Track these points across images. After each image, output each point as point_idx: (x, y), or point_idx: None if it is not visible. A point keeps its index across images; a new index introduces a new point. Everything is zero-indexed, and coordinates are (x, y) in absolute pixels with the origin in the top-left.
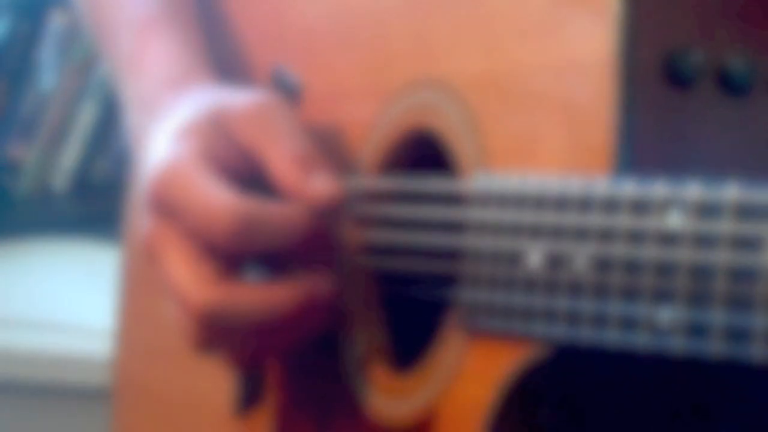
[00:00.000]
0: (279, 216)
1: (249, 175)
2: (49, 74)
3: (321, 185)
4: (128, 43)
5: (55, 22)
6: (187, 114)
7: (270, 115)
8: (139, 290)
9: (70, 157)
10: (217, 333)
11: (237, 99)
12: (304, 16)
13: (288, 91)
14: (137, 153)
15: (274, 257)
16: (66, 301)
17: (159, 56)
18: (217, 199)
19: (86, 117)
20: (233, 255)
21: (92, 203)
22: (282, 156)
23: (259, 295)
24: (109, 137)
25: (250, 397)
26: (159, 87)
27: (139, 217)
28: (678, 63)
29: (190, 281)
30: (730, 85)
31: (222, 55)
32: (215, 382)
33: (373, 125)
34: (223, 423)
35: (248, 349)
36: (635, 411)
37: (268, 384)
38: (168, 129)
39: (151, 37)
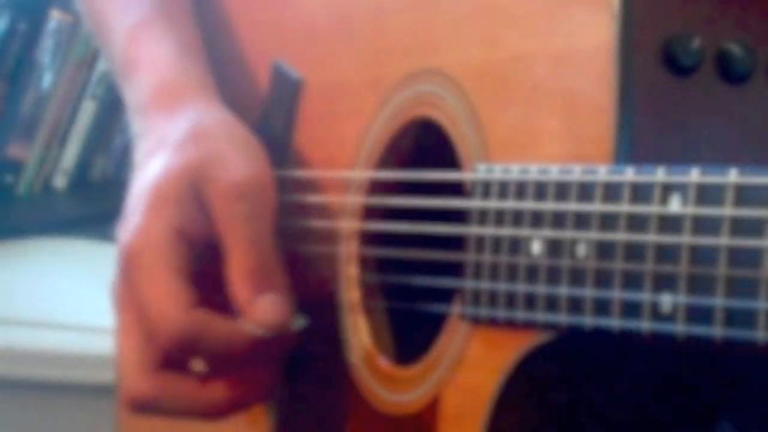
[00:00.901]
0: (222, 335)
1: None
2: (48, 73)
3: (265, 309)
4: (123, 43)
5: (55, 20)
6: (170, 168)
7: (244, 207)
8: None
9: (70, 155)
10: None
11: (223, 169)
12: (303, 10)
13: (287, 85)
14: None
15: None
16: (67, 299)
17: (153, 57)
18: (168, 306)
19: (86, 115)
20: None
21: (92, 201)
22: (237, 268)
23: (190, 394)
24: (109, 135)
25: None
26: (154, 94)
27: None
28: (677, 51)
29: (131, 365)
30: (729, 72)
31: (220, 51)
32: None
33: (373, 117)
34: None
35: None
36: (637, 392)
37: None
38: (150, 182)
39: (144, 39)
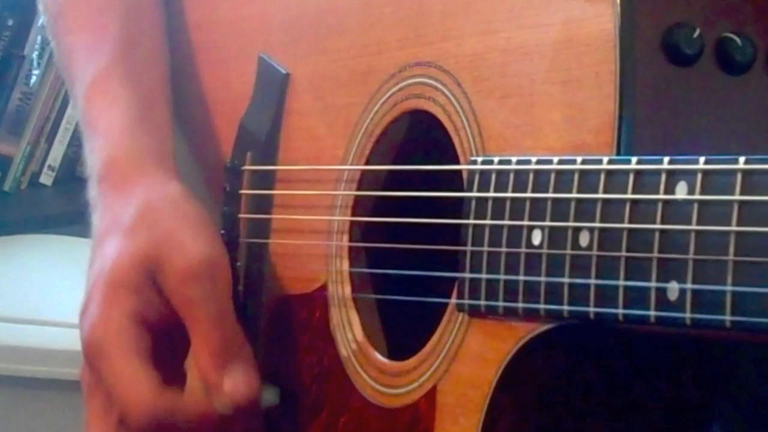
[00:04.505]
0: (191, 414)
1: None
2: (36, 69)
3: (233, 385)
4: (82, 101)
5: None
6: (124, 257)
7: (198, 290)
8: None
9: (57, 152)
10: None
11: (174, 253)
12: (289, 3)
13: (274, 79)
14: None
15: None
16: (53, 295)
17: (105, 128)
18: (134, 392)
19: (73, 112)
20: None
21: (79, 198)
22: (201, 349)
23: None
24: None
25: None
26: (104, 175)
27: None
28: (678, 41)
29: None
30: (729, 63)
31: (204, 47)
32: None
33: (364, 110)
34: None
35: None
36: (636, 379)
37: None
38: (104, 269)
39: (99, 100)
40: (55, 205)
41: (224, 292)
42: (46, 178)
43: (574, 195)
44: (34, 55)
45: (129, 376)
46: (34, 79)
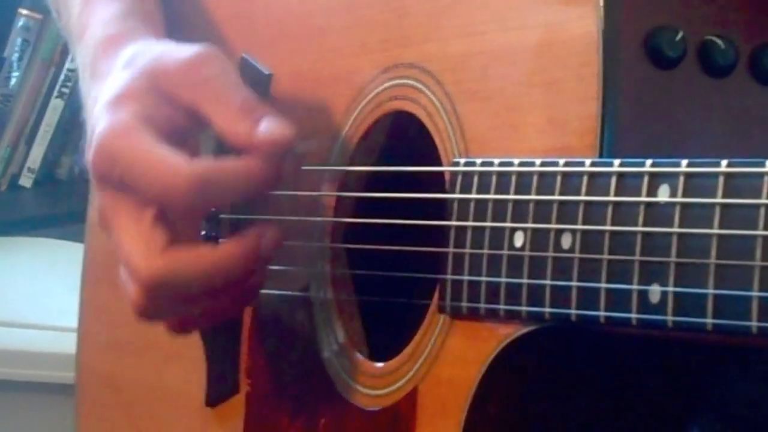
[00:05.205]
0: (234, 171)
1: (193, 134)
2: (16, 71)
3: (270, 129)
4: (78, 7)
5: (23, 18)
6: (123, 78)
7: (207, 69)
8: (101, 285)
9: (37, 154)
10: (163, 301)
11: (172, 55)
12: (273, 5)
13: (257, 80)
14: (87, 122)
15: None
16: (32, 298)
17: (102, 16)
18: (169, 165)
19: (53, 114)
20: (190, 215)
21: (59, 200)
22: (225, 110)
23: (206, 258)
24: (76, 134)
25: (223, 392)
26: (99, 48)
27: (93, 198)
28: (661, 43)
29: (140, 253)
30: (711, 66)
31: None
32: (185, 373)
33: (347, 111)
34: (193, 412)
35: (192, 314)
36: (615, 381)
37: (241, 374)
38: (105, 97)
39: (97, 3)
40: (34, 208)
41: (230, 70)
42: (26, 181)
43: (557, 197)
44: (14, 57)
45: (156, 155)
46: (13, 81)
